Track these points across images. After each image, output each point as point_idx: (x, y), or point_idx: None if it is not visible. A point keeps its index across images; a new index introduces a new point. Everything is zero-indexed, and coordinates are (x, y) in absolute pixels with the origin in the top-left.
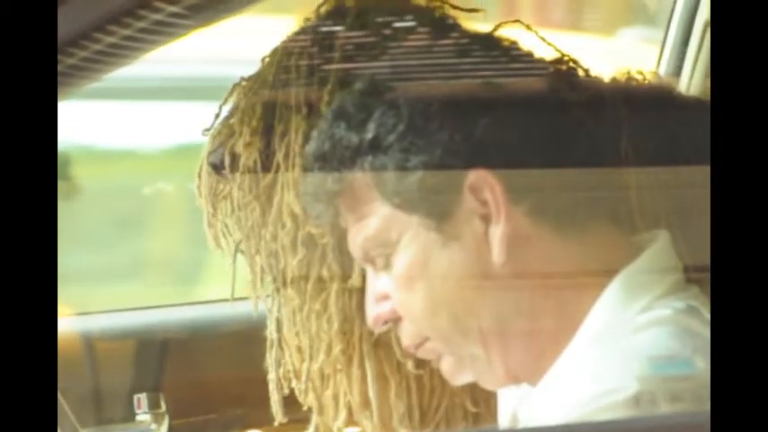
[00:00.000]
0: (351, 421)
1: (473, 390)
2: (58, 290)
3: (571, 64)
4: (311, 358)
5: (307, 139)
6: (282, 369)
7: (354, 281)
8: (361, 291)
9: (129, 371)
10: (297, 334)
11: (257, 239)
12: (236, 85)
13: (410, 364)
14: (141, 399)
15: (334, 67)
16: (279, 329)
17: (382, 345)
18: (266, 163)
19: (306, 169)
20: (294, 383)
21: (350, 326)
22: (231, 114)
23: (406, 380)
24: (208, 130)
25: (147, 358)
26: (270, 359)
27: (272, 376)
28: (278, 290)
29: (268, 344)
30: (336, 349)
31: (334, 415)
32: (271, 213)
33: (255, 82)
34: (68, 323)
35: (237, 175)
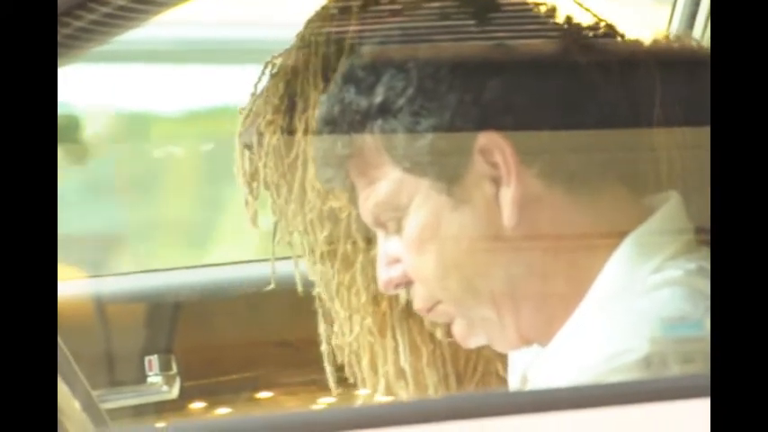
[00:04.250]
0: (390, 390)
1: (505, 355)
2: (57, 265)
3: (579, 25)
4: (346, 331)
5: None
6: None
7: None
8: None
9: (140, 333)
10: (332, 307)
11: (287, 217)
12: (267, 63)
13: (439, 332)
14: (152, 361)
15: (348, 36)
16: (321, 303)
17: (412, 315)
18: (289, 141)
19: (316, 133)
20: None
21: (378, 297)
22: (259, 93)
23: (438, 348)
24: (243, 109)
25: (159, 321)
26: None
27: (323, 348)
28: (313, 264)
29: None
30: (367, 321)
31: (373, 385)
32: (294, 191)
33: (282, 58)
34: (80, 286)
35: (263, 154)
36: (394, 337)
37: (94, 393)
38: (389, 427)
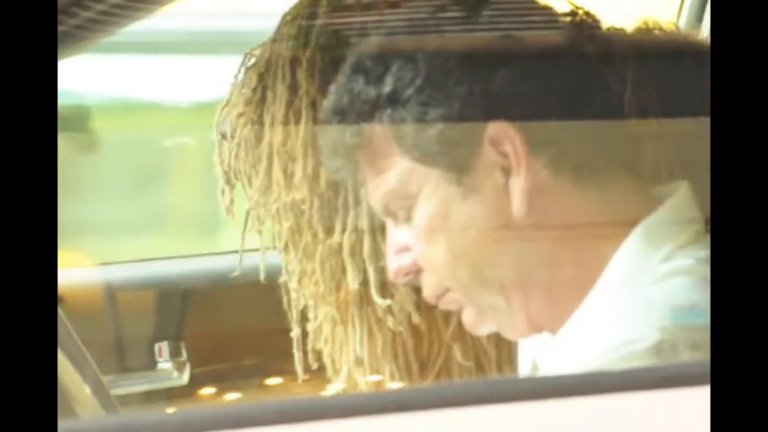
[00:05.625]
0: (350, 379)
1: (464, 343)
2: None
3: (586, 17)
4: (310, 319)
5: (288, 107)
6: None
7: (336, 239)
8: (349, 252)
9: (150, 320)
10: (297, 296)
11: (257, 207)
12: (246, 54)
13: (390, 321)
14: (162, 347)
15: (317, 29)
16: (287, 292)
17: (369, 303)
18: (258, 132)
19: (324, 123)
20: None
21: (336, 286)
22: (236, 84)
23: (398, 337)
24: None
25: (169, 308)
26: (290, 317)
27: (293, 334)
28: (279, 253)
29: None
30: (327, 309)
31: (333, 372)
32: (258, 181)
33: (260, 50)
34: (90, 274)
35: (235, 144)
36: (353, 326)
37: (105, 379)
38: (400, 412)
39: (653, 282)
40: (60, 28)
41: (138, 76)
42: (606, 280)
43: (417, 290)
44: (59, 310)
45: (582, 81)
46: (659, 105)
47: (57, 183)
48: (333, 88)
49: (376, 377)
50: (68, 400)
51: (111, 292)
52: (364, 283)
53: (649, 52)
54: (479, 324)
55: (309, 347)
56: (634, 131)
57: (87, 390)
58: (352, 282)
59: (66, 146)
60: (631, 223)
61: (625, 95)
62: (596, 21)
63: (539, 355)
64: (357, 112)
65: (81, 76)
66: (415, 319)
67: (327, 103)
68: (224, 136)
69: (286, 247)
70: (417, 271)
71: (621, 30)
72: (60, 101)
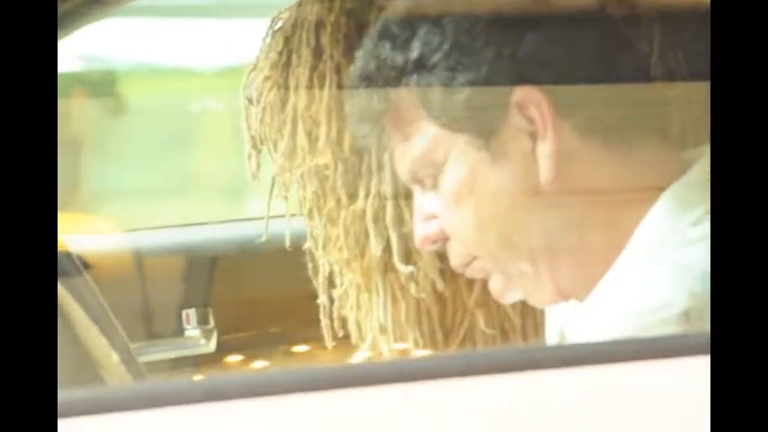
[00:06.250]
0: (375, 345)
1: (488, 311)
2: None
3: None
4: (337, 285)
5: (313, 71)
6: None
7: (359, 205)
8: (372, 218)
9: (178, 287)
10: (322, 263)
11: (281, 173)
12: (273, 18)
13: (413, 288)
14: (190, 314)
15: None
16: (312, 259)
17: (392, 269)
18: (284, 97)
19: (351, 89)
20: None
21: (360, 252)
22: (263, 48)
23: (422, 303)
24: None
25: (196, 274)
26: (316, 284)
27: (319, 301)
28: (305, 219)
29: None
30: (351, 276)
31: (359, 339)
32: (283, 146)
33: (287, 14)
34: (117, 240)
35: (261, 108)
36: (377, 292)
37: (132, 346)
38: (427, 380)
39: (682, 246)
40: None
41: (166, 40)
42: (635, 245)
43: (441, 257)
44: (88, 277)
45: (609, 44)
46: (686, 68)
47: (56, 179)
48: (359, 54)
49: (401, 345)
50: (96, 368)
51: (139, 259)
52: (387, 249)
53: (676, 15)
54: (506, 292)
55: (335, 314)
56: (661, 95)
57: (115, 357)
58: (375, 248)
59: (93, 110)
60: (660, 188)
61: (652, 58)
62: None
63: (566, 323)
64: (384, 77)
65: (108, 40)
66: (439, 285)
67: (354, 69)
68: (250, 100)
69: (310, 212)
70: (444, 239)
71: None
72: (88, 65)
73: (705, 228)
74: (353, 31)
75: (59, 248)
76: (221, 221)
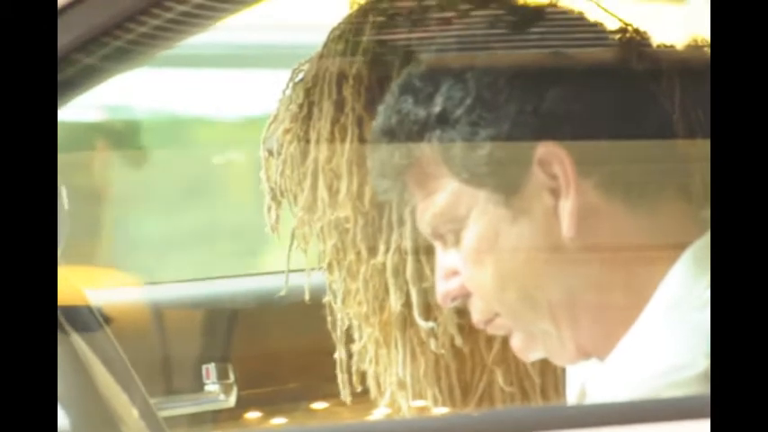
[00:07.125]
0: (393, 402)
1: (507, 368)
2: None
3: (636, 34)
4: (356, 340)
5: (334, 124)
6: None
7: (379, 259)
8: (392, 273)
9: (197, 341)
10: (340, 316)
11: (301, 226)
12: (294, 69)
13: (433, 344)
14: (210, 369)
15: (363, 45)
16: (331, 312)
17: (412, 325)
18: (304, 149)
19: (373, 143)
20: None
21: (380, 307)
22: (283, 100)
23: (441, 359)
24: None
25: (216, 328)
26: (335, 338)
27: (336, 355)
28: (323, 272)
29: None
30: (371, 330)
31: (377, 394)
32: (303, 199)
33: (308, 66)
34: (138, 293)
35: (281, 161)
36: (396, 348)
37: (152, 401)
38: None
39: (701, 307)
40: (115, 43)
41: (188, 90)
42: (655, 305)
43: (460, 312)
44: (108, 331)
45: (631, 100)
46: (707, 125)
47: (57, 186)
48: (381, 108)
49: (419, 402)
50: (117, 423)
51: (159, 312)
52: (407, 304)
53: (698, 71)
54: (528, 350)
55: (354, 369)
56: (683, 152)
57: (135, 412)
58: (395, 303)
59: (116, 161)
60: (681, 246)
61: (674, 114)
62: (646, 38)
63: (587, 381)
64: (406, 132)
65: (130, 90)
66: (458, 341)
67: (376, 124)
68: (270, 152)
69: (330, 265)
70: (466, 295)
71: (671, 47)
72: (111, 116)
73: None
74: (375, 83)
75: (81, 303)
76: (241, 275)
